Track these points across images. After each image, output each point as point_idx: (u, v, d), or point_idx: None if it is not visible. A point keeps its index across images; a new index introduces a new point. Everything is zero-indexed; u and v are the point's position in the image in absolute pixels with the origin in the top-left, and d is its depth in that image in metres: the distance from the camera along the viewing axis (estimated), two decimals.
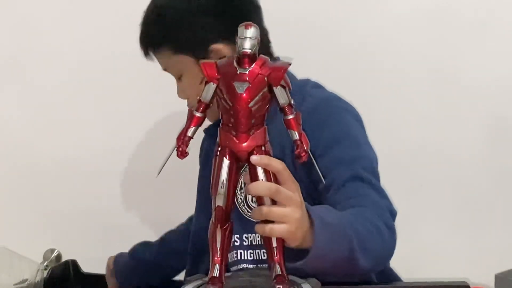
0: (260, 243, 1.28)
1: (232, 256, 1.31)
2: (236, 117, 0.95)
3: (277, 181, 0.96)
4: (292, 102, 0.97)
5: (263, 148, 0.97)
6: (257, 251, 1.30)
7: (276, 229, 0.96)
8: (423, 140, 1.94)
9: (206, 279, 1.01)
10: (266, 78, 0.95)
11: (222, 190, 0.96)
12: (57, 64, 2.03)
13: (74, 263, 1.72)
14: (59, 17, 2.01)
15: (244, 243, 1.31)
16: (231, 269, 1.30)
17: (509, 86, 1.91)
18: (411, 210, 1.80)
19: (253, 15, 1.37)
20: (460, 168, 1.94)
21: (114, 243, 1.72)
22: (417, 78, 1.93)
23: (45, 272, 1.62)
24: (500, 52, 1.91)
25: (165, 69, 1.44)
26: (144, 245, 1.72)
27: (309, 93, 1.36)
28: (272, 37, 1.41)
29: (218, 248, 1.00)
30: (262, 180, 0.96)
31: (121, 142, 2.01)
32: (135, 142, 2.03)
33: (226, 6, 1.38)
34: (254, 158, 0.95)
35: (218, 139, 0.98)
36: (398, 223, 1.20)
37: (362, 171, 1.23)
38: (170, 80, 1.44)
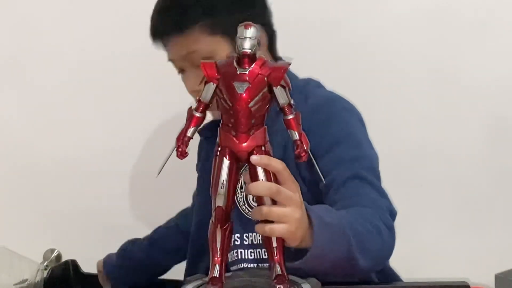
0: (260, 242, 1.28)
1: (232, 255, 1.31)
2: (236, 117, 0.95)
3: (277, 181, 0.96)
4: (292, 102, 0.97)
5: (263, 148, 0.97)
6: (257, 250, 1.30)
7: (276, 229, 0.96)
8: (423, 140, 1.94)
9: (206, 279, 1.01)
10: (266, 78, 0.95)
11: (222, 190, 0.96)
12: (57, 64, 2.03)
13: (74, 263, 1.72)
14: (59, 17, 2.01)
15: (245, 243, 1.31)
16: (232, 268, 1.30)
17: (509, 86, 1.91)
18: (411, 210, 1.80)
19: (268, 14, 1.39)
20: (460, 168, 1.94)
21: (114, 243, 1.71)
22: (417, 78, 1.93)
23: (45, 272, 1.61)
24: (500, 52, 1.91)
25: (172, 60, 1.37)
26: (133, 243, 1.70)
27: (312, 92, 1.36)
28: None
29: (218, 248, 1.00)
30: (262, 180, 0.96)
31: (121, 142, 2.01)
32: (135, 142, 2.03)
33: None
34: (254, 158, 0.95)
35: (218, 139, 0.98)
36: (398, 223, 1.20)
37: (363, 170, 1.24)
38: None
